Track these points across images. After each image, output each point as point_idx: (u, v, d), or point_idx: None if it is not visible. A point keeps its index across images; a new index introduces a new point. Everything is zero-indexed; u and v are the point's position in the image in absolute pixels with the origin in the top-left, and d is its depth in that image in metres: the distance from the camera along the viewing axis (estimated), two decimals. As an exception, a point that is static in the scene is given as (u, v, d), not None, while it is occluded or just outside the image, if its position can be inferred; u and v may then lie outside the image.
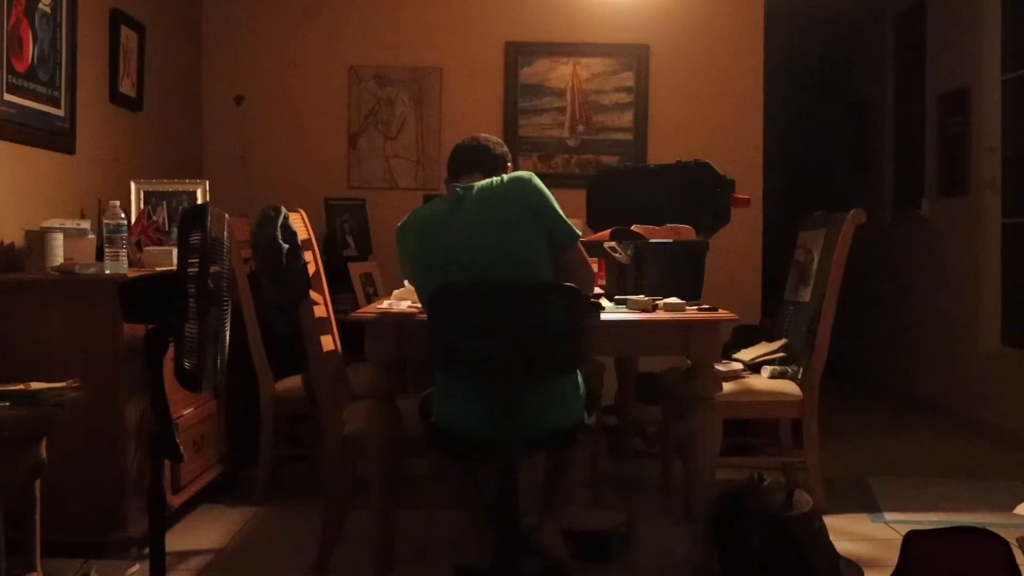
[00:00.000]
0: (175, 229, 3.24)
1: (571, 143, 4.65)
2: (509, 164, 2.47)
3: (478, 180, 2.33)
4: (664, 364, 3.32)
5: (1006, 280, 4.48)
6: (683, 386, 2.67)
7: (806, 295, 3.20)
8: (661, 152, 4.48)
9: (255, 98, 4.56)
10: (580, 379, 2.40)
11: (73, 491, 2.57)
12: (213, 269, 2.00)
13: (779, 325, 3.38)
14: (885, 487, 3.46)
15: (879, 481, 3.55)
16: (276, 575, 2.65)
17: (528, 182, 2.26)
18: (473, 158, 2.43)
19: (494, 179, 2.29)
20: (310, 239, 2.92)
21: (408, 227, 2.35)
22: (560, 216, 2.28)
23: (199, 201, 3.54)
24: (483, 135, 2.52)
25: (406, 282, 2.72)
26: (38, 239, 2.81)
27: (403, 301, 2.65)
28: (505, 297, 2.19)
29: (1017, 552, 2.18)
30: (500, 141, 2.51)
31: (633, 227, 3.06)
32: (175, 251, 2.50)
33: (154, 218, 3.43)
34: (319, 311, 2.78)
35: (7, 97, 2.85)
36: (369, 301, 3.96)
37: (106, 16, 3.59)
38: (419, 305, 2.56)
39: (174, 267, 1.99)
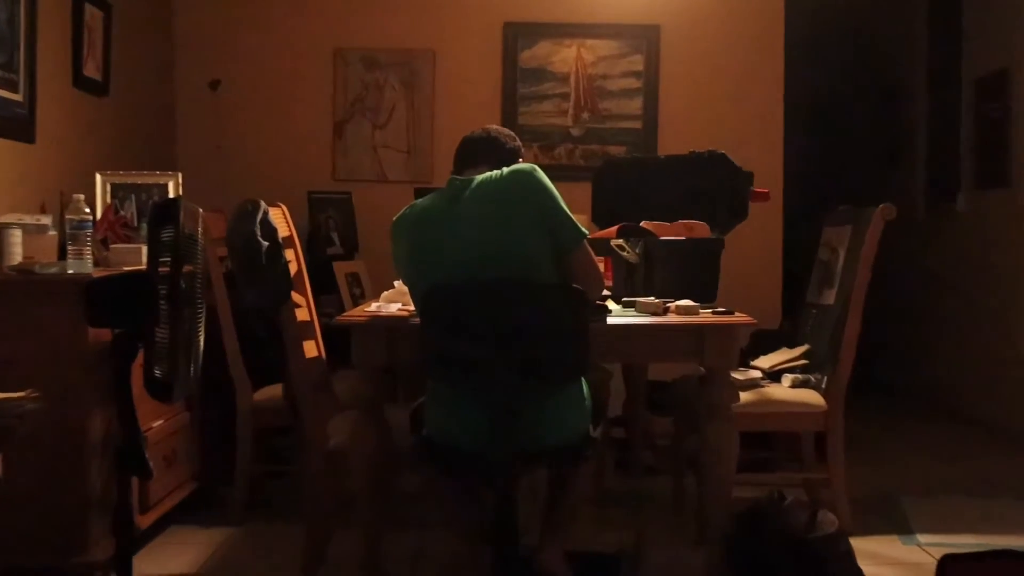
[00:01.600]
0: (144, 225, 3.24)
1: (575, 132, 4.66)
2: (520, 160, 2.47)
3: (486, 170, 2.34)
4: (676, 372, 3.32)
5: (1049, 281, 4.49)
6: (697, 396, 2.67)
7: (830, 297, 3.21)
8: (673, 142, 4.48)
9: (232, 83, 4.57)
10: (585, 388, 2.40)
11: (31, 511, 2.57)
12: (186, 269, 2.01)
13: (801, 330, 3.38)
14: (918, 506, 3.47)
15: (911, 500, 3.55)
16: (254, 601, 2.65)
17: (530, 175, 2.26)
18: (482, 151, 2.43)
19: (494, 172, 2.29)
20: (292, 236, 2.92)
21: (403, 221, 2.36)
22: (565, 213, 2.28)
23: (171, 195, 3.54)
24: (494, 127, 2.53)
25: (396, 283, 2.72)
26: (-5, 236, 2.81)
27: (393, 303, 2.65)
28: (504, 298, 2.19)
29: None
30: (513, 135, 2.52)
31: (642, 223, 3.06)
32: (144, 249, 2.50)
33: (122, 213, 3.43)
34: (301, 314, 2.78)
35: (-38, 81, 2.85)
36: (356, 303, 3.97)
37: (69, -7, 3.60)
38: (410, 307, 2.57)
39: (143, 266, 1.99)
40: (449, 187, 2.34)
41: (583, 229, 2.31)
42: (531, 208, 2.24)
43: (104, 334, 2.40)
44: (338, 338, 2.67)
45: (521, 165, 2.31)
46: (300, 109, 4.62)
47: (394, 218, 2.38)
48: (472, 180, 2.30)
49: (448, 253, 2.25)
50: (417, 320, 2.31)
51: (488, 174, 2.29)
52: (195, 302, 2.04)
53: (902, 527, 3.24)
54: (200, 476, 3.37)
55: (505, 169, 2.29)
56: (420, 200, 2.39)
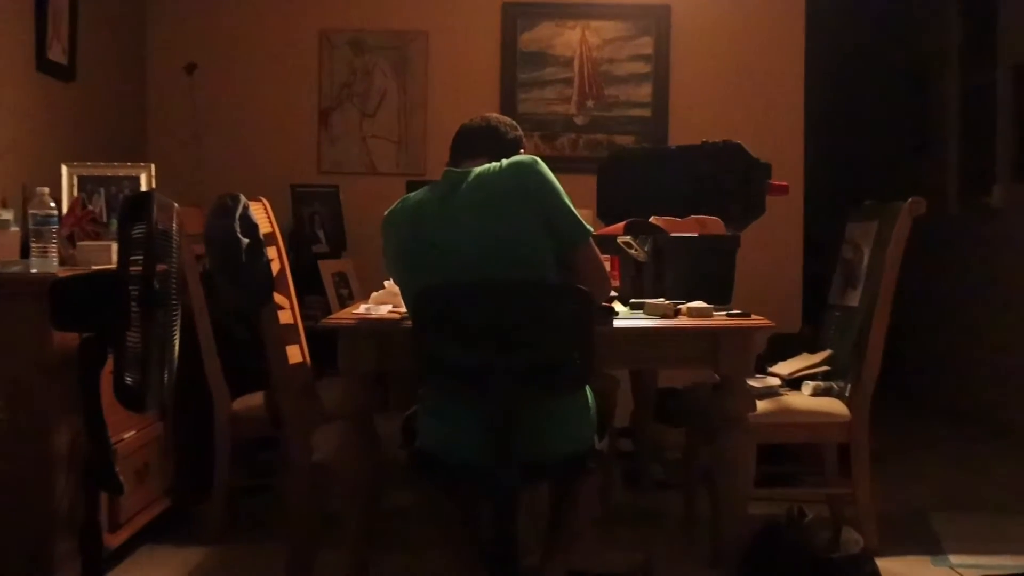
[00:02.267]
0: (115, 221, 3.24)
1: (579, 121, 4.66)
2: (522, 151, 2.47)
3: (485, 162, 2.34)
4: (688, 379, 3.32)
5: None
6: (710, 405, 2.67)
7: (855, 298, 3.21)
8: (684, 131, 4.48)
9: (209, 67, 4.57)
10: (590, 396, 2.40)
11: (-7, 529, 2.57)
12: (160, 268, 2.01)
13: (823, 333, 3.38)
14: (949, 524, 3.46)
15: (943, 517, 3.55)
16: (233, 627, 2.65)
17: (530, 167, 2.27)
18: (480, 141, 2.44)
19: (493, 164, 2.29)
20: (274, 232, 2.92)
21: (395, 216, 2.36)
22: (568, 208, 2.28)
23: (143, 188, 3.54)
24: (494, 116, 2.53)
25: (386, 283, 2.72)
26: (-47, 232, 2.81)
27: (383, 305, 2.65)
28: (503, 300, 2.19)
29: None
30: (514, 124, 2.52)
31: (651, 219, 3.06)
32: (115, 247, 2.50)
33: (90, 207, 3.43)
34: (284, 317, 2.78)
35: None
36: (343, 305, 3.97)
37: (33, -30, 3.60)
38: (402, 309, 2.57)
39: (113, 265, 1.99)
40: (445, 180, 2.34)
41: (588, 226, 2.31)
42: (532, 203, 2.24)
43: (71, 338, 2.40)
44: (324, 342, 2.67)
45: (522, 157, 2.31)
46: (283, 96, 4.62)
47: (385, 213, 2.38)
48: (469, 172, 2.30)
49: (443, 250, 2.25)
50: (409, 323, 2.31)
51: (486, 166, 2.30)
52: (169, 304, 2.04)
53: (933, 547, 3.24)
54: (174, 492, 3.36)
55: (505, 161, 2.29)
56: (413, 194, 2.39)
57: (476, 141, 2.44)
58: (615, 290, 2.87)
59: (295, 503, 2.70)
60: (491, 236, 2.23)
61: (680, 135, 4.49)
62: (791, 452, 3.70)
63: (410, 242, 2.31)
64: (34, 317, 2.53)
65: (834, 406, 3.06)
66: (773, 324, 2.55)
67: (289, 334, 2.78)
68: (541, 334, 2.19)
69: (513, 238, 2.23)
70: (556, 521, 2.54)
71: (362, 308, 2.65)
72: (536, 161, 2.28)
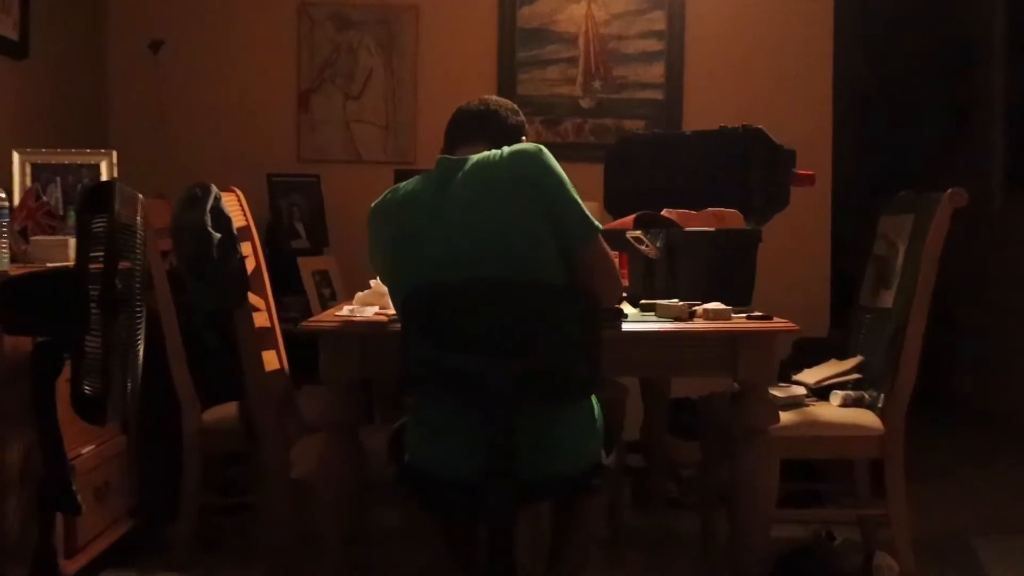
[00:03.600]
0: (72, 213, 3.24)
1: (584, 104, 4.66)
2: (524, 138, 2.48)
3: (483, 149, 2.35)
4: (704, 388, 3.32)
5: None
6: (729, 416, 2.67)
7: (888, 299, 3.21)
8: (700, 115, 4.49)
9: (177, 44, 4.57)
10: (596, 407, 2.41)
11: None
12: (122, 265, 2.01)
13: (853, 338, 3.38)
14: (994, 549, 3.47)
15: (985, 540, 3.55)
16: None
17: (535, 156, 2.27)
18: (478, 126, 2.45)
19: (493, 152, 2.30)
20: (248, 226, 2.93)
21: (383, 208, 2.37)
22: (575, 201, 2.29)
23: (104, 177, 3.54)
24: (493, 98, 2.54)
25: (373, 282, 2.73)
26: None
27: (369, 306, 2.66)
28: (501, 301, 2.20)
29: None
30: (516, 108, 2.53)
31: (664, 212, 3.07)
32: (72, 242, 2.51)
33: (44, 198, 3.43)
34: (260, 319, 2.78)
35: None
36: (325, 306, 3.97)
37: (-17, -62, 3.60)
38: (389, 311, 2.57)
39: (71, 262, 2.00)
40: (439, 168, 2.34)
41: (596, 222, 2.32)
42: (535, 195, 2.24)
43: (23, 343, 2.40)
44: (303, 348, 2.67)
45: (525, 145, 2.31)
46: (258, 76, 4.62)
47: (372, 205, 2.39)
48: (466, 160, 2.30)
49: (436, 246, 2.26)
50: (397, 326, 2.32)
51: (485, 154, 2.30)
52: (133, 305, 2.04)
53: (975, 573, 3.24)
54: (138, 512, 3.36)
55: (506, 149, 2.30)
56: (403, 184, 2.40)
57: (474, 126, 2.45)
58: (624, 290, 2.88)
59: (272, 524, 2.70)
60: (490, 231, 2.23)
61: (696, 119, 4.49)
62: (818, 469, 3.70)
63: (400, 237, 2.32)
64: (-17, 320, 2.53)
65: (866, 418, 3.07)
66: (798, 327, 2.56)
67: (265, 338, 2.78)
68: (543, 338, 2.20)
69: (512, 233, 2.23)
70: (559, 544, 2.54)
71: (346, 310, 2.66)
72: (540, 149, 2.28)
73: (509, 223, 2.23)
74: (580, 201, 2.30)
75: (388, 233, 2.34)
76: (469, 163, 2.30)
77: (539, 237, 2.25)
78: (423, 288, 2.22)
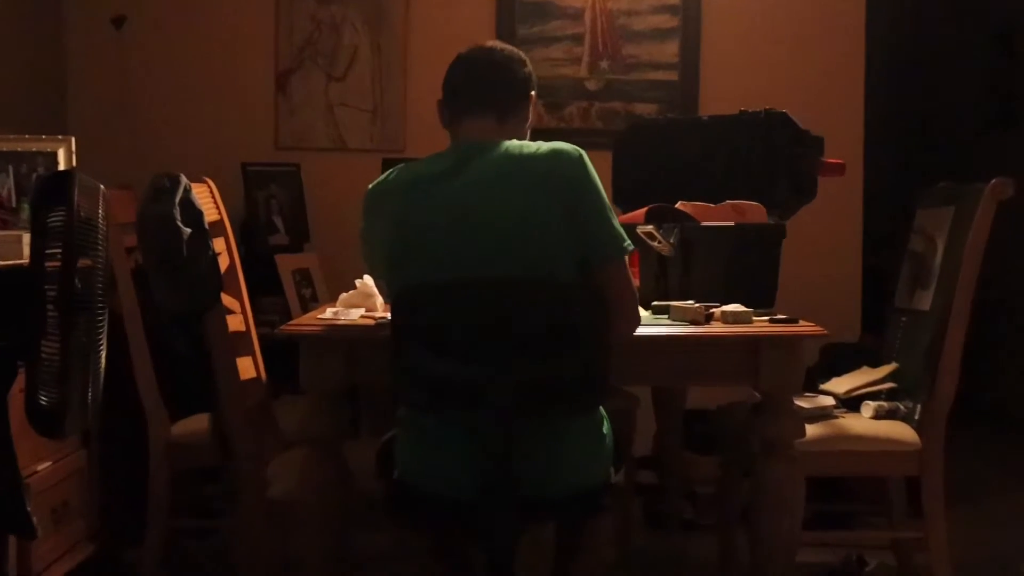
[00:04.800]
0: (27, 206, 3.24)
1: (591, 86, 4.66)
2: (533, 94, 2.48)
3: (492, 122, 2.35)
4: (722, 398, 3.32)
5: None
6: (749, 429, 2.67)
7: (926, 301, 3.21)
8: (718, 98, 4.49)
9: (141, 20, 4.57)
10: (604, 419, 2.41)
11: None
12: (82, 263, 2.01)
13: (887, 343, 3.39)
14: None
15: (1033, 566, 3.56)
16: None
17: (576, 160, 2.27)
18: (488, 84, 2.41)
19: (528, 144, 2.29)
20: (222, 221, 2.93)
21: (384, 192, 2.35)
22: (608, 214, 2.29)
23: (61, 166, 3.54)
24: (498, 44, 2.50)
25: (358, 282, 2.72)
26: None
27: (354, 309, 2.65)
28: (500, 302, 2.19)
29: None
30: (523, 56, 2.49)
31: (678, 205, 3.07)
32: (27, 237, 2.50)
33: (-3, 190, 3.43)
34: (234, 323, 2.78)
35: None
36: (306, 308, 3.97)
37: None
38: (376, 314, 2.57)
39: (25, 260, 1.99)
40: (456, 151, 2.34)
41: (628, 241, 2.32)
42: (569, 199, 2.23)
43: (-26, 349, 2.40)
44: (282, 354, 2.67)
45: (564, 146, 2.29)
46: (232, 55, 4.61)
47: (371, 186, 2.38)
48: (493, 146, 2.29)
49: (451, 239, 2.24)
50: (387, 330, 2.31)
51: (515, 145, 2.29)
52: (94, 307, 2.04)
53: (1020, 602, 3.24)
54: (100, 535, 3.36)
55: (544, 145, 2.29)
56: (408, 165, 2.38)
57: (483, 84, 2.41)
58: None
59: (247, 548, 2.70)
60: (512, 227, 2.22)
61: (713, 103, 4.49)
62: (849, 487, 3.70)
63: (404, 226, 2.29)
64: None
65: (901, 431, 3.07)
66: (826, 332, 2.56)
67: (240, 344, 2.78)
68: (547, 344, 2.19)
69: (535, 232, 2.22)
70: (563, 570, 2.54)
71: (329, 312, 2.66)
72: (582, 154, 2.30)
73: (535, 222, 2.22)
74: (614, 216, 2.30)
75: (391, 219, 2.32)
76: (496, 151, 2.28)
77: (559, 239, 2.24)
78: (416, 287, 2.22)
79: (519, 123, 2.44)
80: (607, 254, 2.29)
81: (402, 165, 2.39)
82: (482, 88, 2.41)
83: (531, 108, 2.47)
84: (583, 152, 2.30)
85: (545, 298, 2.23)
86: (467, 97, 2.42)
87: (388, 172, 2.39)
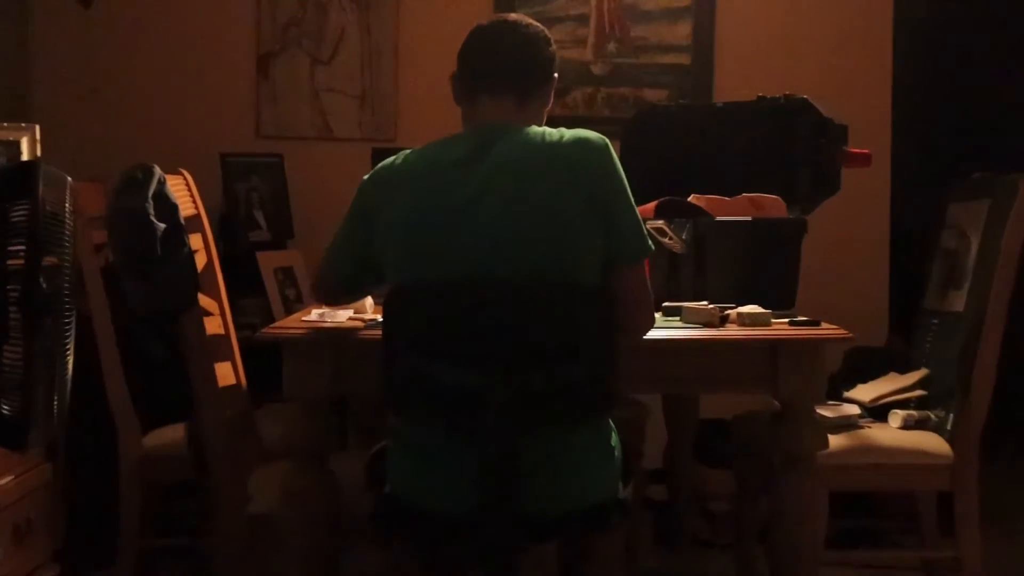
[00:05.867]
0: (-11, 200, 3.24)
1: (597, 70, 4.67)
2: (556, 76, 2.47)
3: (512, 104, 2.35)
4: (738, 407, 3.33)
5: None
6: (768, 440, 2.67)
7: (959, 302, 3.22)
8: (734, 83, 4.49)
9: (112, -1, 4.58)
10: (612, 430, 2.41)
11: None
12: (48, 261, 2.01)
13: (917, 347, 3.39)
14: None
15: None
16: None
17: (603, 151, 2.27)
18: (511, 63, 2.40)
19: (547, 131, 2.29)
20: (199, 215, 2.93)
21: (386, 178, 2.35)
22: (633, 211, 2.30)
23: (25, 156, 3.54)
24: (523, 19, 2.46)
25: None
26: None
27: (341, 311, 2.66)
28: (501, 303, 2.20)
29: None
30: (548, 34, 2.46)
31: (691, 198, 3.07)
32: (-11, 233, 2.51)
33: (-43, 183, 3.43)
34: (212, 325, 2.78)
35: None
36: (289, 310, 3.98)
37: None
38: (365, 315, 2.57)
39: (-12, 257, 2.00)
40: (471, 134, 2.34)
41: (650, 242, 2.32)
42: (596, 192, 2.24)
43: (-68, 353, 2.40)
44: (264, 359, 2.67)
45: (590, 134, 2.29)
46: (210, 37, 4.62)
47: (368, 175, 2.38)
48: (511, 133, 2.29)
49: (458, 231, 2.23)
50: (377, 333, 2.31)
51: (537, 132, 2.29)
52: (60, 308, 2.04)
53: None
54: (67, 555, 3.36)
55: (567, 132, 2.29)
56: (415, 150, 2.37)
57: (505, 61, 2.40)
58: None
59: (225, 568, 2.70)
60: (534, 221, 2.22)
61: (728, 88, 4.50)
62: (875, 503, 3.70)
63: (410, 215, 2.29)
64: None
65: (932, 443, 3.07)
66: (851, 335, 2.56)
67: (218, 348, 2.78)
68: (550, 348, 2.20)
69: (556, 226, 2.22)
70: (567, 591, 2.55)
71: (314, 314, 2.66)
72: (608, 144, 2.30)
73: (559, 216, 2.22)
74: (639, 215, 2.30)
75: (392, 210, 2.31)
76: (518, 136, 2.29)
77: (588, 239, 2.24)
78: (412, 287, 2.22)
79: (539, 107, 2.44)
80: (631, 255, 2.30)
81: (403, 151, 2.39)
82: (505, 66, 2.40)
83: (551, 92, 2.46)
84: (608, 141, 2.30)
85: (551, 299, 2.23)
86: (487, 75, 2.40)
87: (392, 158, 2.38)
